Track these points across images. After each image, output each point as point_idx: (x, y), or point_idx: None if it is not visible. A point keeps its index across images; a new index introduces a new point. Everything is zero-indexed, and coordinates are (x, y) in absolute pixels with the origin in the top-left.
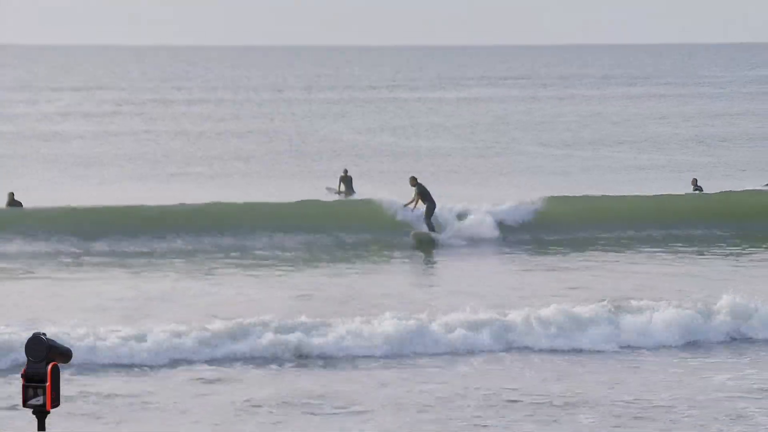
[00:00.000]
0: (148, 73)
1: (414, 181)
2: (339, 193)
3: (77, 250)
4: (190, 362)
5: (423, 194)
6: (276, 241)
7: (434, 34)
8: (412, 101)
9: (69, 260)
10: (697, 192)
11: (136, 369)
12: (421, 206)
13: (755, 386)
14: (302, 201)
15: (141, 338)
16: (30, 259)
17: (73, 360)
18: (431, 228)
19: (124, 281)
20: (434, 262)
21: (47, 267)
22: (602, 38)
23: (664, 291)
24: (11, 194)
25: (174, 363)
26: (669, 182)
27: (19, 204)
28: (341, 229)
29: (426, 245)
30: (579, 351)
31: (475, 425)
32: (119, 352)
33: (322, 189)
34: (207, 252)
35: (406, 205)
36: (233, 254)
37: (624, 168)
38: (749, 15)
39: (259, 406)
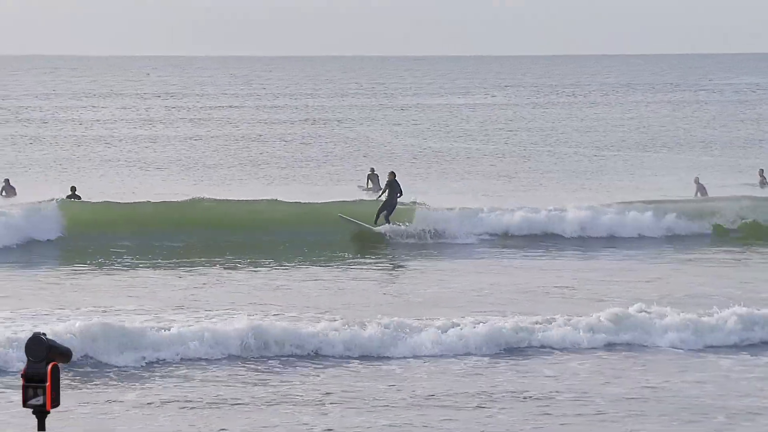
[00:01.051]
0: (201, 82)
1: (392, 176)
2: (367, 189)
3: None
4: None
5: (391, 188)
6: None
7: (458, 44)
8: (436, 106)
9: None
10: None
11: None
12: (384, 197)
13: None
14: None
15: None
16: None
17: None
18: (380, 219)
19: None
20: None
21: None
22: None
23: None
24: (73, 188)
25: None
26: (673, 181)
27: (78, 198)
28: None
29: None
30: None
31: None
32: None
33: (354, 186)
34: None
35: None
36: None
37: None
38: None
39: None
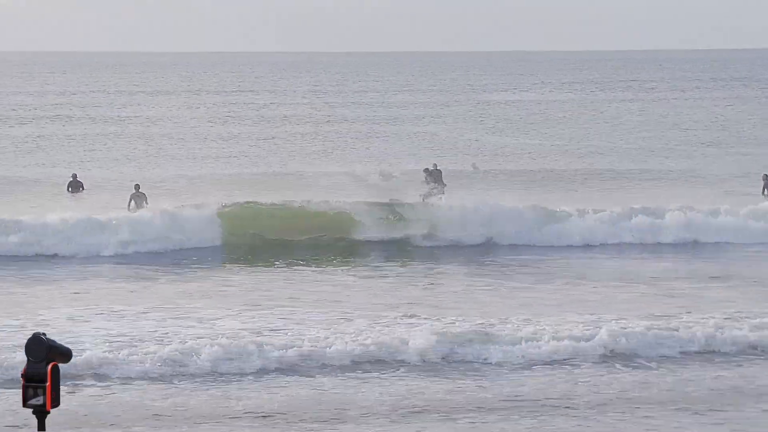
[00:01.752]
0: (261, 78)
1: (427, 171)
2: (434, 185)
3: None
4: None
5: (434, 178)
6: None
7: (520, 40)
8: (504, 103)
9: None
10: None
11: None
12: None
13: None
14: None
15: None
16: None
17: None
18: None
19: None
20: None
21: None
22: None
23: None
24: (137, 186)
25: None
26: (739, 177)
27: (144, 195)
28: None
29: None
30: None
31: None
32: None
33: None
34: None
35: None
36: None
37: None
38: None
39: None
